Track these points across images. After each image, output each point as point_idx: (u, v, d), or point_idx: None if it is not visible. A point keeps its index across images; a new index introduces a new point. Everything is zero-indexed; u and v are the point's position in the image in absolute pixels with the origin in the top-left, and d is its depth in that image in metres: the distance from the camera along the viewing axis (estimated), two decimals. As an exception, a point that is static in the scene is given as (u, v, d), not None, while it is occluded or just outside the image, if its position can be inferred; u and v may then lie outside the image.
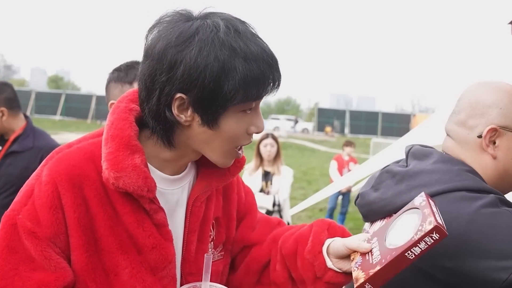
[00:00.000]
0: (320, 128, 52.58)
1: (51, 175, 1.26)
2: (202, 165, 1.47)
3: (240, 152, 1.38)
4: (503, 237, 1.30)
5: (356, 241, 1.36)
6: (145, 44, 1.29)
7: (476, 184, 1.44)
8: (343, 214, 10.53)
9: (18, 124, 3.68)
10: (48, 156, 1.35)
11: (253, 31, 1.28)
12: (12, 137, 3.64)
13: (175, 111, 1.26)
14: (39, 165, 3.79)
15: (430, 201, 1.29)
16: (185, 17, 1.27)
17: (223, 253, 1.58)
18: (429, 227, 1.19)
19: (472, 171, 1.49)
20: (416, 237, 1.20)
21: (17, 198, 1.30)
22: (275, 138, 6.00)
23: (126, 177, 1.25)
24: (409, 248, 1.20)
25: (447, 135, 1.62)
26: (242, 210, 1.66)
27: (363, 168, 9.17)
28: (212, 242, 1.53)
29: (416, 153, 1.61)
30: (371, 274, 1.24)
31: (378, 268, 1.23)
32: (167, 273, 1.36)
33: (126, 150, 1.27)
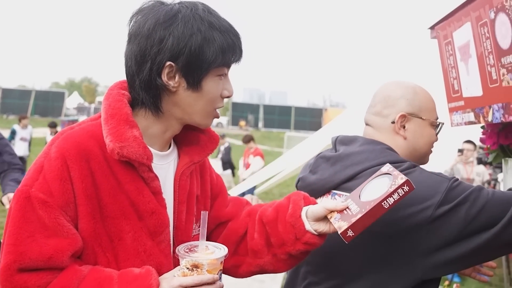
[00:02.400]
0: (234, 122, 52.97)
1: (59, 151, 1.43)
2: (183, 144, 1.68)
3: (218, 112, 1.60)
4: (418, 187, 1.60)
5: (333, 202, 1.60)
6: (130, 29, 1.52)
7: (396, 158, 1.79)
8: None
9: None
10: (53, 138, 1.50)
11: (218, 14, 1.55)
12: None
13: (164, 78, 1.47)
14: None
15: (395, 169, 1.58)
16: (163, 3, 1.52)
17: (199, 229, 1.70)
18: (401, 181, 1.48)
19: (391, 149, 1.83)
20: (391, 190, 1.48)
21: (27, 175, 1.44)
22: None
23: (129, 147, 1.44)
24: (385, 198, 1.48)
25: (366, 124, 1.97)
26: (215, 190, 1.85)
27: (278, 163, 9.36)
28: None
29: (343, 140, 1.93)
30: (353, 221, 1.48)
31: (359, 216, 1.48)
32: (164, 238, 1.55)
33: (126, 125, 1.47)
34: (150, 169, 1.50)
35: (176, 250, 1.47)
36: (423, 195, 1.64)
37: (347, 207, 1.55)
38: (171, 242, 1.59)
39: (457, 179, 1.70)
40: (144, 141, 1.50)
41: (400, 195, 1.47)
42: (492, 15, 2.02)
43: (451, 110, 2.64)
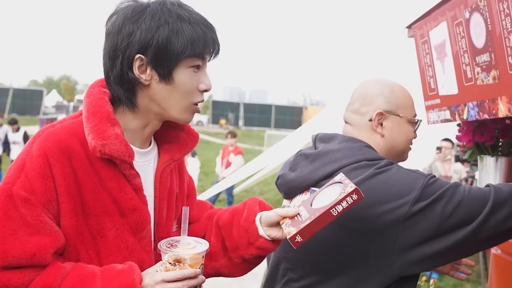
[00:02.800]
0: (215, 120, 52.83)
1: (41, 149, 1.43)
2: (163, 142, 1.70)
3: (198, 107, 1.60)
4: (395, 184, 1.69)
5: (285, 209, 1.63)
6: (106, 29, 1.55)
7: (373, 155, 1.81)
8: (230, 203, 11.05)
9: None
10: (34, 135, 1.51)
11: (191, 8, 1.56)
12: None
13: (136, 71, 1.50)
14: None
15: (347, 177, 1.62)
16: (135, 1, 1.55)
17: (177, 226, 1.76)
18: (350, 190, 1.51)
19: (369, 147, 1.86)
20: (340, 197, 1.50)
21: (8, 173, 1.45)
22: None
23: (111, 144, 1.45)
24: (334, 206, 1.50)
25: (346, 122, 1.99)
26: (188, 191, 1.89)
27: (258, 161, 9.39)
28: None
29: (322, 138, 1.96)
30: (302, 227, 1.51)
31: (308, 222, 1.51)
32: (145, 235, 1.57)
33: (108, 123, 1.49)
34: (132, 167, 1.52)
35: (158, 245, 1.49)
36: (400, 192, 1.67)
37: (298, 214, 1.58)
38: (152, 239, 1.61)
39: (434, 176, 1.73)
40: (125, 138, 1.51)
41: (349, 203, 1.51)
42: (467, 14, 2.06)
43: (428, 108, 2.68)
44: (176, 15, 1.49)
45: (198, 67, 1.55)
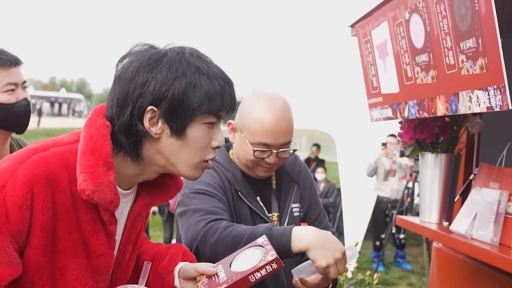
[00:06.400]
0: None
1: (28, 176, 1.32)
2: (145, 183, 1.57)
3: (208, 163, 1.52)
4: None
5: (204, 265, 1.59)
6: (116, 71, 1.44)
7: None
8: None
9: None
10: (23, 153, 1.39)
11: (210, 59, 1.48)
12: None
13: (146, 123, 1.39)
14: None
15: (269, 242, 1.60)
16: (152, 46, 1.45)
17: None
18: (271, 258, 1.49)
19: (228, 148, 2.17)
20: (260, 264, 1.49)
21: None
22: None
23: (101, 192, 1.35)
24: (253, 272, 1.48)
25: None
26: None
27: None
28: None
29: None
30: None
31: (224, 286, 1.48)
32: (104, 278, 1.49)
33: (104, 166, 1.37)
34: (113, 214, 1.44)
35: None
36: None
37: (216, 274, 1.55)
38: (109, 279, 1.55)
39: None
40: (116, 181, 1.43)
41: (268, 271, 1.49)
42: (407, 15, 2.12)
43: (371, 106, 2.74)
44: (195, 67, 1.40)
45: (213, 123, 1.47)
